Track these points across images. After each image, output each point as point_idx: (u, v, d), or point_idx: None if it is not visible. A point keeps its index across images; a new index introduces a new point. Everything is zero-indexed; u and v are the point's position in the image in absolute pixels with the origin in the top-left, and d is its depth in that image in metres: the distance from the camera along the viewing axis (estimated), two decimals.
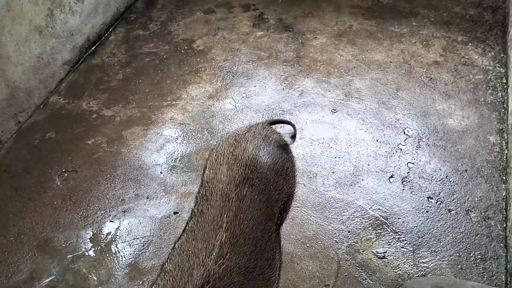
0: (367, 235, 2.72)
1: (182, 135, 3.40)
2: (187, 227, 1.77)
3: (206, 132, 3.41)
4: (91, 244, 2.75)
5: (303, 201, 2.91)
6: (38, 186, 3.09)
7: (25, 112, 3.53)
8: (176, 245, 1.73)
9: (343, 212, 2.84)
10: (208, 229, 1.67)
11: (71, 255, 2.70)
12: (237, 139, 1.99)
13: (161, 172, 3.14)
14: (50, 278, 2.61)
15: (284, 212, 2.03)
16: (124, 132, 3.43)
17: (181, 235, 1.77)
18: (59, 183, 3.09)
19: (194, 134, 3.41)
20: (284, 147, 2.11)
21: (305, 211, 2.86)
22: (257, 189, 1.80)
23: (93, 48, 4.24)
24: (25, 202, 2.99)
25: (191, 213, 1.84)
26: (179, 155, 3.26)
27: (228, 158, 1.89)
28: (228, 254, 1.59)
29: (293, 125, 2.67)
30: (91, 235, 2.79)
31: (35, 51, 3.54)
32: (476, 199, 2.86)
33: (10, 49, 3.30)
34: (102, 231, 2.81)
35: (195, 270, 1.55)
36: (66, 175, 3.14)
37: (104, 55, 4.18)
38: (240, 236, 1.66)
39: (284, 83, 3.77)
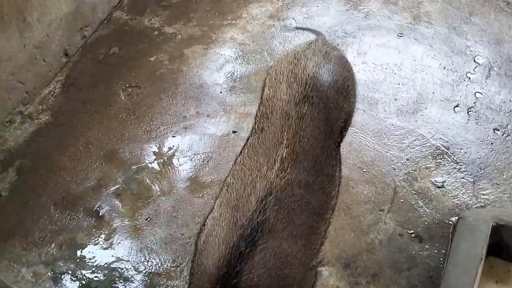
0: (427, 163, 2.68)
1: (242, 55, 3.38)
2: (248, 143, 1.81)
3: (266, 54, 3.36)
4: (154, 157, 2.87)
5: (362, 127, 2.87)
6: (104, 99, 3.20)
7: (90, 27, 3.58)
8: (238, 160, 1.77)
9: (403, 139, 2.80)
10: (269, 145, 1.71)
11: (135, 166, 2.84)
12: (296, 57, 1.95)
13: (221, 92, 3.17)
14: (116, 186, 2.77)
15: (344, 131, 2.03)
16: (185, 50, 3.44)
17: (241, 151, 1.81)
18: (123, 98, 3.19)
19: (253, 55, 3.37)
20: (345, 65, 2.06)
21: (363, 137, 2.83)
22: (316, 108, 1.80)
23: None
24: (92, 114, 3.12)
25: (251, 130, 1.87)
26: (238, 75, 3.26)
27: (287, 76, 1.88)
28: (289, 169, 1.63)
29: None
30: (154, 149, 2.91)
31: None
32: None
33: None
34: (165, 145, 2.92)
35: (258, 182, 1.60)
36: (130, 90, 3.23)
37: None
38: (300, 153, 1.69)
39: (349, 4, 3.61)
